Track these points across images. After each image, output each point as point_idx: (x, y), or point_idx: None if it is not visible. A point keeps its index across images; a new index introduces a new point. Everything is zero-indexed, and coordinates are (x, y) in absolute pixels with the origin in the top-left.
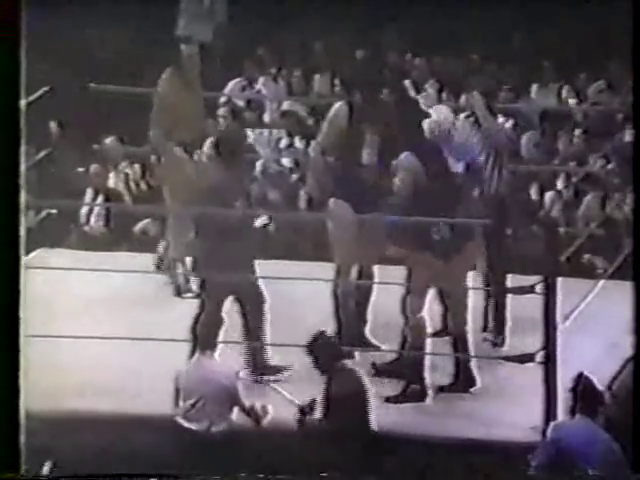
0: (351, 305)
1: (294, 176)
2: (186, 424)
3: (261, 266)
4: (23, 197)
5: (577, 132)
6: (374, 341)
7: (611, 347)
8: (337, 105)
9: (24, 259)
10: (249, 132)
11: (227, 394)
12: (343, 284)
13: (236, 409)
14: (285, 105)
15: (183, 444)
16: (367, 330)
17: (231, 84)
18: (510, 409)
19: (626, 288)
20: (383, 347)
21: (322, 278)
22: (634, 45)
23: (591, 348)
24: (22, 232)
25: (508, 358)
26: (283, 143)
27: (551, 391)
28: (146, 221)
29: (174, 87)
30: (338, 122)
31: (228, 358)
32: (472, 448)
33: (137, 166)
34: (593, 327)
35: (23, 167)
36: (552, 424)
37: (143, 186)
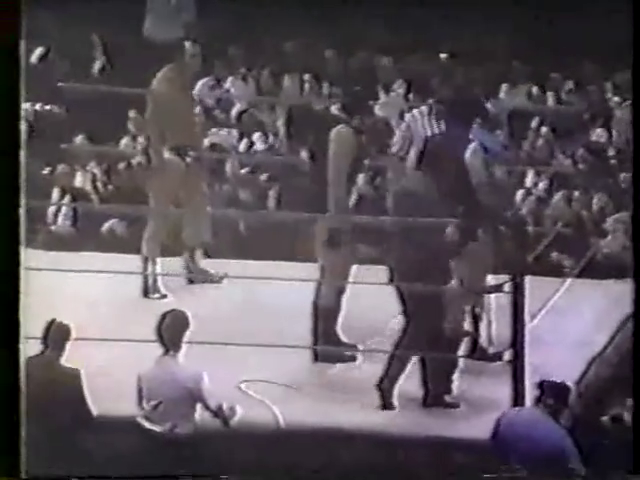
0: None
1: (263, 177)
2: (148, 425)
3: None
4: (22, 197)
5: (545, 131)
6: (346, 340)
7: (579, 345)
8: (337, 129)
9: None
10: (215, 131)
11: (191, 395)
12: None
13: (201, 410)
14: (248, 104)
15: (148, 446)
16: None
17: (200, 83)
18: (477, 408)
19: (593, 286)
20: (360, 347)
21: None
22: (634, 45)
23: (558, 346)
24: (21, 231)
25: (476, 357)
26: (243, 145)
27: (519, 389)
28: (113, 221)
29: (169, 87)
30: (342, 146)
31: (192, 359)
32: (440, 447)
33: (105, 166)
34: (560, 325)
35: (23, 166)
36: (502, 413)
37: (110, 186)
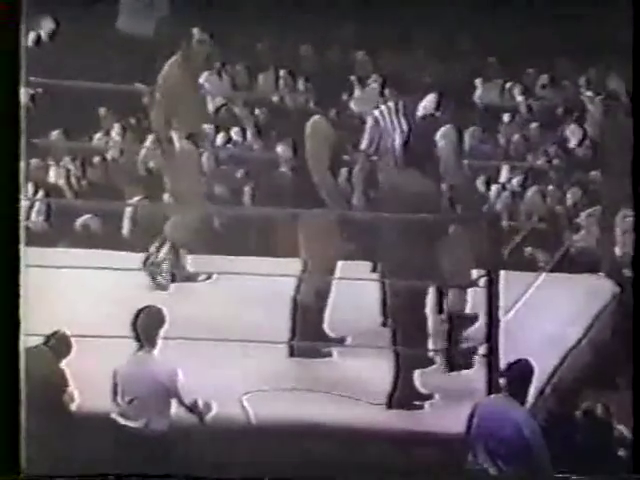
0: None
1: (240, 172)
2: (123, 421)
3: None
4: (22, 194)
5: (520, 127)
6: (332, 335)
7: (553, 339)
8: (313, 119)
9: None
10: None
11: (166, 391)
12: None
13: (176, 406)
14: (223, 100)
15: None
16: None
17: None
18: (453, 401)
19: (567, 280)
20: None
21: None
22: (634, 45)
23: (533, 340)
24: (21, 228)
25: (452, 352)
26: (220, 139)
27: (493, 383)
28: (87, 216)
29: (180, 74)
30: (319, 136)
31: (168, 355)
32: (413, 442)
33: (78, 161)
34: (535, 320)
35: (23, 163)
36: (476, 403)
37: (84, 182)
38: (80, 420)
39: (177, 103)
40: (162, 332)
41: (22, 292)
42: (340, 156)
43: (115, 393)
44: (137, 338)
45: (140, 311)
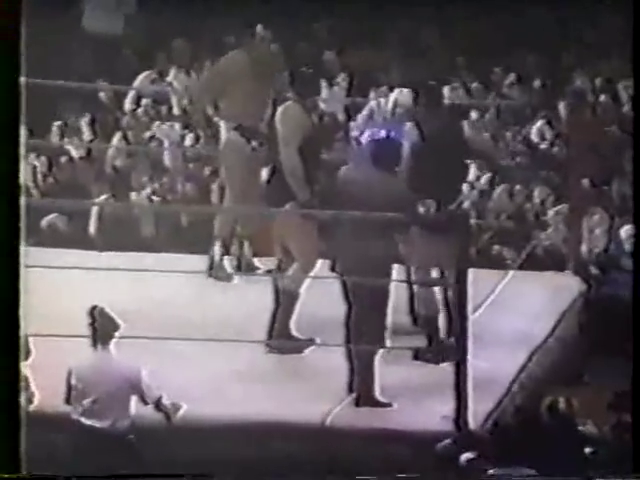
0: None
1: (206, 169)
2: (87, 422)
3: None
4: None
5: (488, 125)
6: (299, 335)
7: (520, 337)
8: (286, 105)
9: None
10: (156, 125)
11: (131, 389)
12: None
13: (139, 404)
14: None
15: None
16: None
17: (141, 77)
18: (423, 397)
19: (534, 278)
20: (318, 340)
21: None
22: (634, 44)
23: (501, 338)
24: (22, 228)
25: (420, 349)
26: (188, 141)
27: (462, 380)
28: (53, 215)
29: (239, 69)
30: (290, 121)
31: (128, 352)
32: (386, 438)
33: (44, 158)
34: (503, 317)
35: (22, 163)
36: None
37: (51, 179)
38: (38, 420)
39: (236, 97)
40: (119, 331)
41: (22, 292)
42: (313, 147)
43: (71, 393)
44: (93, 337)
45: (94, 309)
